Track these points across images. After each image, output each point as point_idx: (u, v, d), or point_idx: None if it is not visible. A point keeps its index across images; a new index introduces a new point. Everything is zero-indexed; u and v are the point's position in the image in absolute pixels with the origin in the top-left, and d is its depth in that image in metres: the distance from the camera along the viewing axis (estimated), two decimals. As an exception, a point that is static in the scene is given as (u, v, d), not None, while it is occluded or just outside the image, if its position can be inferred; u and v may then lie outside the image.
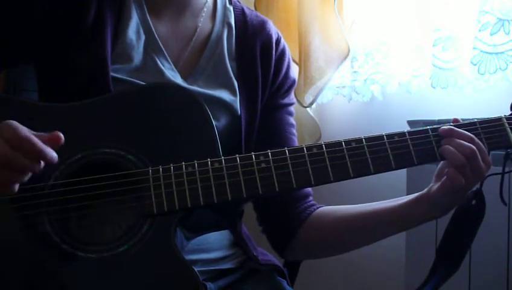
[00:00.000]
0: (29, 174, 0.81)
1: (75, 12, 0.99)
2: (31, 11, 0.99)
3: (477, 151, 0.92)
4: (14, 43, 1.01)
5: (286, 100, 1.18)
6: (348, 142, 0.91)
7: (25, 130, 0.79)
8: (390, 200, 1.05)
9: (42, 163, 0.80)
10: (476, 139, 0.93)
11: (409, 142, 0.93)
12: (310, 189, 1.16)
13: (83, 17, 0.99)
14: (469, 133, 0.94)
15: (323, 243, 1.14)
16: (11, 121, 0.80)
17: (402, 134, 0.93)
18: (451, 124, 0.97)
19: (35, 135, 0.80)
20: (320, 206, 1.15)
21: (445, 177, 0.94)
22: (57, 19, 0.99)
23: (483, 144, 0.94)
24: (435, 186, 0.98)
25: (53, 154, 0.81)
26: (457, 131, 0.94)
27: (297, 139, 1.20)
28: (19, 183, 0.80)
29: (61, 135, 0.81)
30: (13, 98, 1.04)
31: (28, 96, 1.29)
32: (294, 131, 1.20)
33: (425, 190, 1.00)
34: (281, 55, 1.16)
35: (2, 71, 1.08)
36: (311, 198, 1.16)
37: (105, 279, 0.86)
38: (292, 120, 1.19)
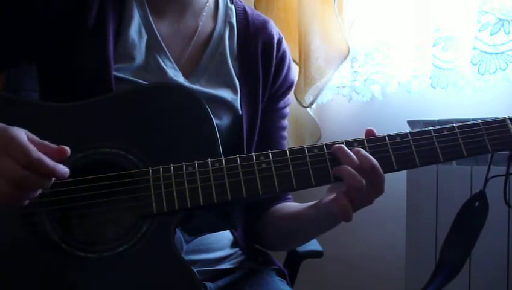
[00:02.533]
0: (40, 190, 0.81)
1: (77, 12, 0.99)
2: (34, 10, 0.99)
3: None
4: (17, 42, 1.01)
5: (281, 103, 1.18)
6: (349, 142, 0.90)
7: (34, 149, 0.77)
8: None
9: (53, 179, 0.80)
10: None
11: (411, 143, 0.91)
12: None
13: (85, 17, 0.99)
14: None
15: (268, 235, 1.13)
16: (18, 134, 0.78)
17: (404, 135, 0.92)
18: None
19: (41, 145, 0.79)
20: (286, 200, 1.14)
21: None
22: (59, 19, 0.99)
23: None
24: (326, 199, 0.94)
25: (65, 170, 0.80)
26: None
27: (288, 141, 1.18)
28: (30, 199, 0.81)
29: (68, 149, 0.81)
30: (14, 97, 1.04)
31: (28, 96, 1.28)
32: (285, 134, 1.20)
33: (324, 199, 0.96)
34: (282, 56, 1.16)
35: (3, 71, 1.07)
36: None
37: (104, 279, 0.85)
38: (285, 123, 1.19)
